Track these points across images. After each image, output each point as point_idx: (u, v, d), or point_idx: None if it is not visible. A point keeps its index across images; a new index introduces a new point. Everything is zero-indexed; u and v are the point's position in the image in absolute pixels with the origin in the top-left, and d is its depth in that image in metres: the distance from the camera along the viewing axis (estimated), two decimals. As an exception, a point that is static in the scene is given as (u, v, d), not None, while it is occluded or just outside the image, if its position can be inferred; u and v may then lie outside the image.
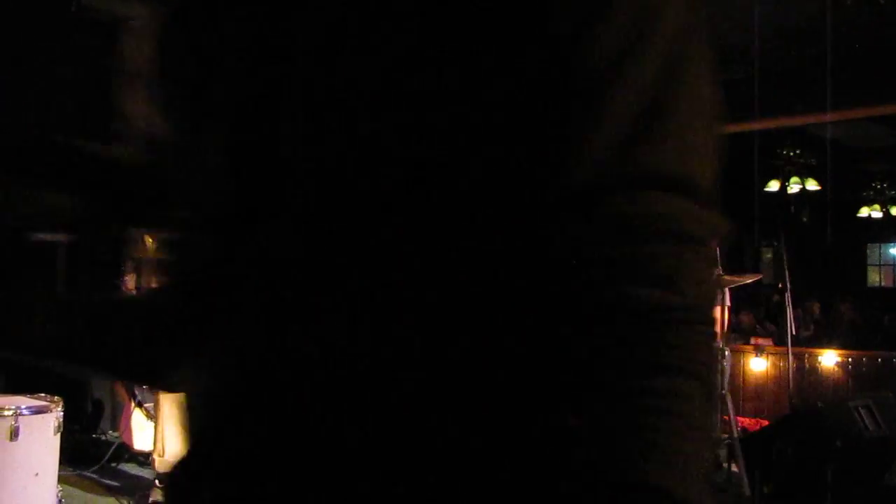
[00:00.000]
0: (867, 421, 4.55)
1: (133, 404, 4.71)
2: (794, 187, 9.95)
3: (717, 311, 5.24)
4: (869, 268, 14.12)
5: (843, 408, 4.55)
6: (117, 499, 4.32)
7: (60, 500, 3.51)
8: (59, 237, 0.96)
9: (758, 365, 7.02)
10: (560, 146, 0.57)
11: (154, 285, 0.86)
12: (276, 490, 0.60)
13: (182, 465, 0.68)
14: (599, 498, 0.55)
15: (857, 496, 4.23)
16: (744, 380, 7.06)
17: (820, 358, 6.85)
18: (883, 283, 14.11)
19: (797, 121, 7.06)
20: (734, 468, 4.51)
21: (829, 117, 6.31)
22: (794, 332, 5.53)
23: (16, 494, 3.23)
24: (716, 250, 0.63)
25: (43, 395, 3.59)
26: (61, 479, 3.62)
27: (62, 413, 3.50)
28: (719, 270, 5.44)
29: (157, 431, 4.14)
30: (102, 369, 1.04)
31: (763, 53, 5.62)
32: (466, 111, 0.58)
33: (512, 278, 0.57)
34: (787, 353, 5.61)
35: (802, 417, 4.58)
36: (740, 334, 8.03)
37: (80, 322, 0.87)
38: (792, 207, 10.07)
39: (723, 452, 4.65)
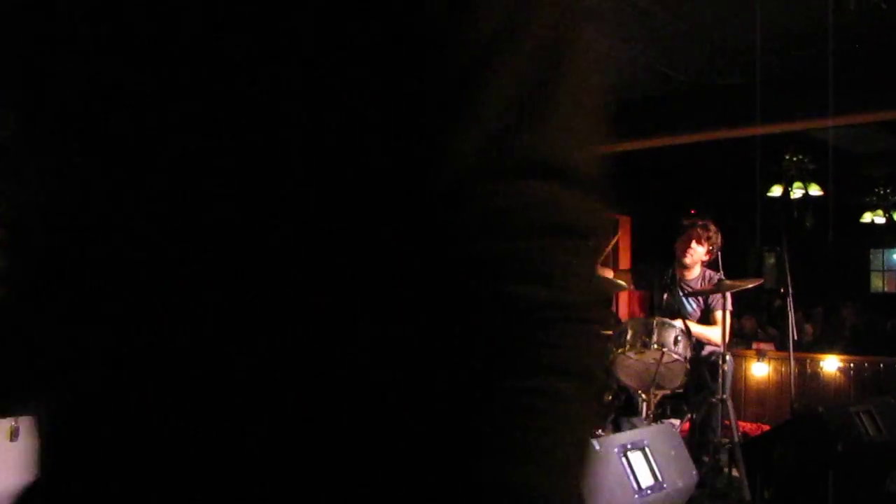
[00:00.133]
0: (868, 426, 4.54)
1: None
2: (796, 192, 9.94)
3: (726, 315, 5.23)
4: (871, 273, 14.10)
5: (845, 413, 4.54)
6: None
7: (60, 501, 3.51)
8: None
9: (759, 370, 7.01)
10: (434, 139, 0.55)
11: None
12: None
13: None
14: (462, 497, 0.54)
15: (858, 501, 4.21)
16: (745, 384, 7.05)
17: (822, 363, 6.84)
18: (885, 289, 14.09)
19: (800, 126, 7.05)
20: (735, 473, 4.50)
21: (832, 122, 6.29)
22: (795, 337, 5.53)
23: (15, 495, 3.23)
24: (600, 242, 0.62)
25: (43, 395, 3.59)
26: (61, 480, 3.61)
27: (62, 414, 3.51)
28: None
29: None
30: None
31: (765, 58, 5.61)
32: (337, 107, 0.56)
33: (391, 278, 0.55)
34: (789, 358, 5.60)
35: (804, 422, 4.57)
36: (742, 339, 8.03)
37: None
38: (795, 212, 10.05)
39: (724, 457, 4.64)
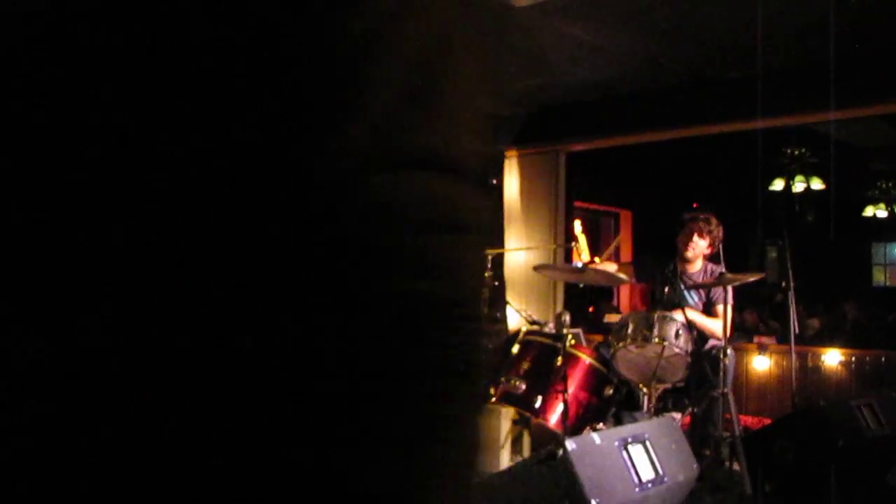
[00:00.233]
0: (870, 420, 4.54)
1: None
2: (798, 186, 9.95)
3: (728, 309, 5.23)
4: (874, 267, 14.09)
5: (846, 407, 4.54)
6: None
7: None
8: None
9: (761, 363, 7.01)
10: (320, 131, 0.54)
11: None
12: None
13: None
14: (342, 499, 0.53)
15: (859, 495, 4.22)
16: (746, 378, 7.05)
17: (823, 357, 6.84)
18: (887, 283, 14.09)
19: (801, 119, 7.04)
20: (735, 466, 4.50)
21: (833, 116, 6.28)
22: (797, 331, 5.52)
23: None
24: (486, 236, 0.60)
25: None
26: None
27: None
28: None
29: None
30: None
31: (767, 51, 5.60)
32: (215, 100, 0.54)
33: (279, 276, 0.54)
34: (791, 352, 5.60)
35: (805, 416, 4.57)
36: (743, 333, 8.02)
37: None
38: (796, 206, 10.06)
39: (725, 451, 4.64)
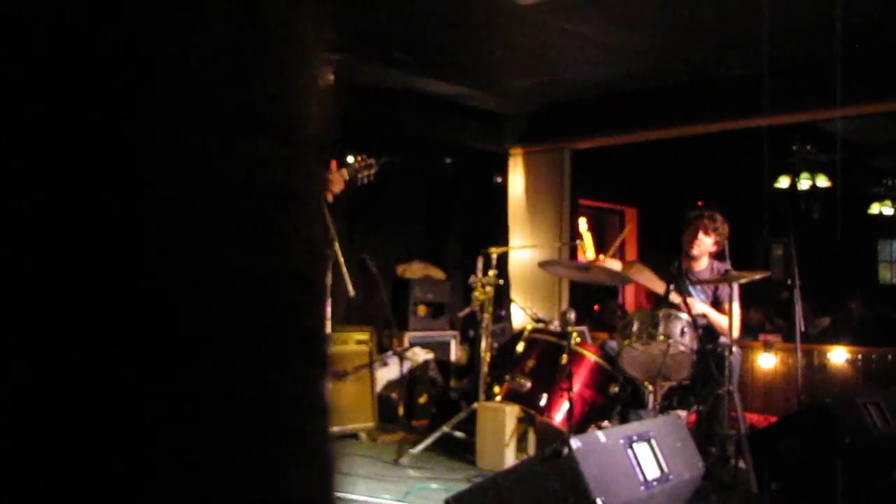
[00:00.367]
0: (876, 418, 4.53)
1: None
2: (804, 183, 9.92)
3: (735, 307, 5.22)
4: (880, 264, 14.04)
5: (852, 404, 4.53)
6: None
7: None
8: None
9: (767, 361, 7.00)
10: (138, 95, 0.49)
11: None
12: None
13: None
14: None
15: (866, 493, 4.21)
16: (752, 376, 7.03)
17: (829, 354, 6.82)
18: (894, 280, 14.03)
19: (807, 116, 7.02)
20: (742, 464, 4.49)
21: (839, 113, 6.26)
22: (803, 329, 5.51)
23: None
24: (322, 203, 0.57)
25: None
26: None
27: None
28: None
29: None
30: None
31: (773, 48, 5.59)
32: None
33: (97, 245, 0.50)
34: (797, 350, 5.58)
35: (811, 414, 4.56)
36: (749, 330, 8.01)
37: None
38: (802, 204, 10.03)
39: (730, 449, 4.63)
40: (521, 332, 5.87)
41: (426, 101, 7.59)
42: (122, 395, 0.50)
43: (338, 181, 4.40)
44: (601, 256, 5.63)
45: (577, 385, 5.18)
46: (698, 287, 5.69)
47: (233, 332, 0.51)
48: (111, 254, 0.49)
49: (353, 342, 6.29)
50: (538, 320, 6.14)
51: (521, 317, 7.68)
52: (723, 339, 5.47)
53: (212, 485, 0.52)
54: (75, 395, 0.49)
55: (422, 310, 7.39)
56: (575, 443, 3.08)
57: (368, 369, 6.30)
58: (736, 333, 5.21)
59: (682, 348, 4.94)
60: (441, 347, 7.35)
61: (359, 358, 6.26)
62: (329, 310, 4.11)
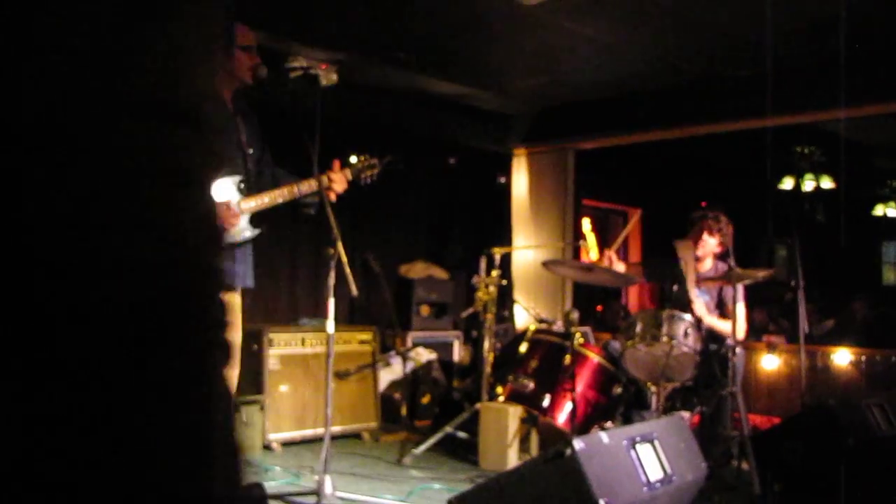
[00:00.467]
0: (880, 420, 4.52)
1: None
2: (808, 184, 9.91)
3: (741, 307, 5.20)
4: (884, 266, 14.02)
5: (856, 406, 4.52)
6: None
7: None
8: None
9: (770, 362, 6.99)
10: (21, 76, 0.46)
11: None
12: None
13: None
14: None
15: (869, 495, 4.19)
16: (756, 377, 7.02)
17: (833, 356, 6.81)
18: (898, 282, 14.01)
19: (811, 117, 7.01)
20: (745, 466, 4.48)
21: (843, 114, 6.25)
22: (806, 330, 5.50)
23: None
24: (209, 182, 0.55)
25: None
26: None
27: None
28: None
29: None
30: None
31: (777, 49, 5.58)
32: None
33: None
34: (800, 351, 5.57)
35: (814, 415, 4.55)
36: (752, 331, 7.99)
37: None
38: (806, 205, 10.02)
39: (734, 450, 4.63)
40: (525, 332, 5.86)
41: (430, 102, 7.59)
42: (10, 390, 0.49)
43: (341, 181, 4.40)
44: (606, 251, 5.62)
45: (580, 386, 5.17)
46: (703, 288, 5.68)
47: (123, 321, 0.50)
48: None
49: (357, 342, 6.30)
50: (541, 321, 6.14)
51: (524, 317, 7.68)
52: (727, 341, 5.46)
53: (109, 477, 0.50)
54: None
55: (425, 310, 7.39)
56: (578, 444, 3.07)
57: (371, 369, 6.30)
58: (741, 334, 5.20)
59: (685, 349, 4.93)
60: (444, 348, 7.34)
61: (362, 358, 6.26)
62: (332, 309, 4.11)
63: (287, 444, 5.64)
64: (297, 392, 5.78)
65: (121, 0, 0.48)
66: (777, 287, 9.17)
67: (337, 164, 4.45)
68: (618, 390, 5.36)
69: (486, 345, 5.68)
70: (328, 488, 4.01)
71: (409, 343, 7.02)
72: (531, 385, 5.31)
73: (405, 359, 6.70)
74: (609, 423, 5.27)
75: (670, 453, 3.55)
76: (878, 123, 8.16)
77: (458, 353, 7.52)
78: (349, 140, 5.14)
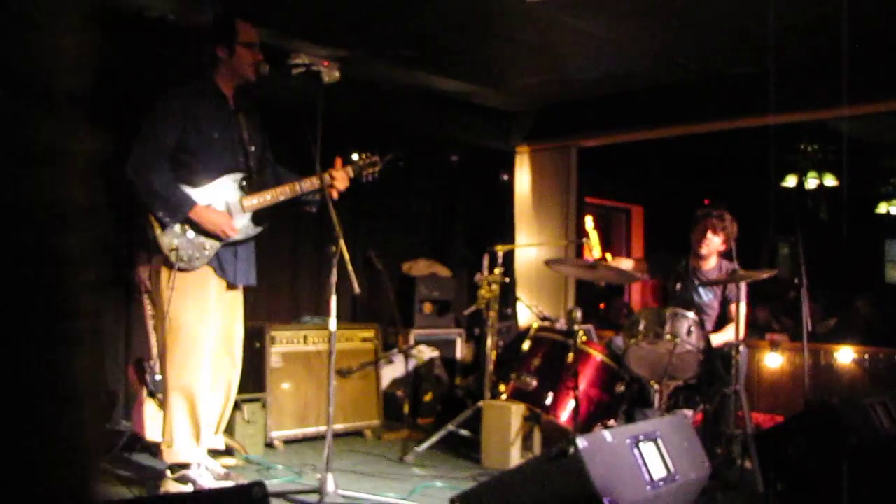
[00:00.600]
0: (883, 418, 4.51)
1: (145, 393, 4.71)
2: (811, 182, 9.89)
3: (742, 307, 5.19)
4: (887, 264, 14.00)
5: (859, 405, 4.51)
6: (129, 488, 4.33)
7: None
8: None
9: (773, 361, 6.97)
10: None
11: None
12: None
13: None
14: None
15: (872, 494, 4.18)
16: (759, 375, 7.01)
17: (836, 354, 6.80)
18: (901, 280, 13.99)
19: (815, 115, 6.99)
20: (748, 464, 4.47)
21: (847, 112, 6.24)
22: (809, 328, 5.49)
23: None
24: (80, 167, 0.52)
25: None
26: (72, 469, 3.62)
27: (73, 403, 3.50)
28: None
29: (165, 422, 4.15)
30: None
31: (779, 47, 5.56)
32: None
33: None
34: (803, 349, 5.56)
35: (817, 414, 4.54)
36: (756, 330, 7.98)
37: None
38: (809, 202, 10.00)
39: (737, 448, 4.61)
40: (527, 330, 5.86)
41: (432, 99, 7.58)
42: None
43: (343, 179, 4.39)
44: (607, 256, 5.61)
45: (583, 384, 5.17)
46: (706, 287, 5.67)
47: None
48: None
49: (359, 339, 6.29)
50: (544, 318, 6.13)
51: (527, 315, 7.67)
52: (724, 339, 5.45)
53: None
54: None
55: (427, 307, 7.38)
56: (581, 442, 3.06)
57: (374, 367, 6.29)
58: (742, 335, 5.19)
59: (688, 347, 4.92)
60: (447, 345, 7.34)
61: (364, 355, 6.26)
62: (334, 307, 4.10)
63: (289, 441, 5.64)
64: (300, 390, 5.78)
65: None
66: (780, 285, 9.16)
67: (339, 161, 4.44)
68: (621, 388, 5.35)
69: (489, 342, 5.67)
70: (330, 486, 4.00)
71: (412, 341, 7.01)
72: (534, 383, 5.30)
73: (407, 356, 6.70)
74: (612, 422, 5.26)
75: (673, 452, 3.55)
76: (882, 121, 8.14)
77: (461, 350, 7.51)
78: (351, 137, 5.14)
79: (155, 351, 4.60)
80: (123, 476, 4.55)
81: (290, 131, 4.31)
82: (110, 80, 5.59)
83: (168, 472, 4.15)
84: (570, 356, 5.12)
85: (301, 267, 6.95)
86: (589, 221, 5.65)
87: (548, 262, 5.59)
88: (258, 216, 4.31)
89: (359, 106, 6.81)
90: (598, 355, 5.37)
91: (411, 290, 7.32)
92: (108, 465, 4.65)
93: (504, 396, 5.39)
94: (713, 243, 5.60)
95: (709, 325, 5.44)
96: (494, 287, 5.69)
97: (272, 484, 4.54)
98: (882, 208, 11.63)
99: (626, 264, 5.81)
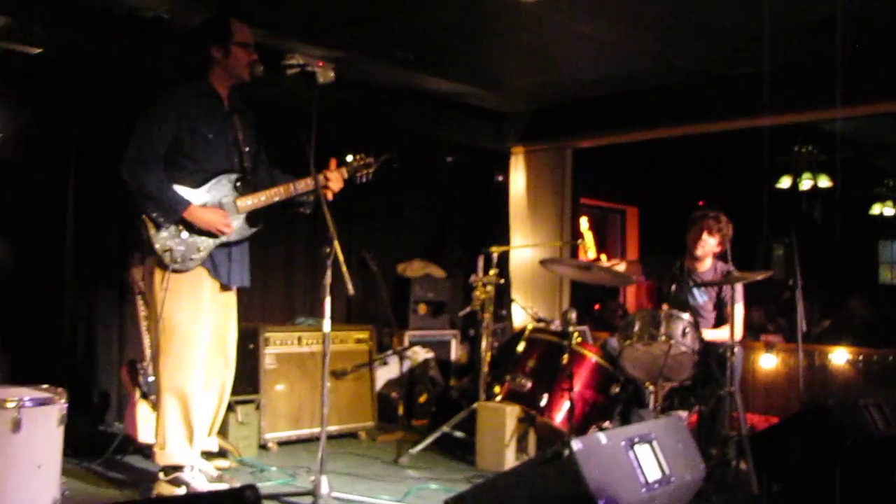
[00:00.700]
0: (878, 419, 4.51)
1: (138, 395, 4.70)
2: (805, 183, 9.90)
3: (739, 308, 5.19)
4: (880, 265, 14.03)
5: (854, 406, 4.51)
6: (122, 491, 4.31)
7: (64, 493, 3.50)
8: None
9: (768, 362, 6.98)
10: None
11: None
12: None
13: None
14: None
15: (867, 495, 4.19)
16: (754, 376, 7.01)
17: (830, 355, 6.80)
18: (894, 281, 14.02)
19: (809, 117, 7.00)
20: (743, 466, 4.47)
21: (841, 113, 6.24)
22: (804, 329, 5.49)
23: (18, 487, 3.21)
24: None
25: (46, 386, 3.57)
26: (65, 472, 3.60)
27: (66, 405, 3.49)
28: (728, 264, 5.40)
29: (158, 424, 4.13)
30: None
31: (774, 48, 5.56)
32: None
33: None
34: (798, 350, 5.57)
35: (812, 415, 4.54)
36: (750, 331, 7.99)
37: None
38: (803, 204, 10.01)
39: (732, 450, 4.61)
40: (522, 331, 5.85)
41: (427, 100, 7.56)
42: None
43: (337, 180, 4.38)
44: (602, 257, 5.61)
45: (577, 385, 5.16)
46: (702, 288, 5.66)
47: None
48: None
49: (353, 341, 6.28)
50: (539, 320, 6.12)
51: (521, 316, 7.66)
52: (719, 340, 5.45)
53: None
54: None
55: (422, 308, 7.37)
56: (576, 444, 3.05)
57: (368, 368, 6.28)
58: (739, 334, 5.19)
59: (683, 349, 4.92)
60: (441, 346, 7.33)
61: (358, 357, 6.25)
62: (328, 308, 4.09)
63: (283, 443, 5.62)
64: (294, 391, 5.76)
65: None
66: (775, 286, 9.17)
67: (333, 162, 4.43)
68: (616, 390, 5.35)
69: (484, 344, 5.66)
70: (324, 488, 3.99)
71: (407, 342, 7.00)
72: (529, 384, 5.30)
73: (402, 358, 6.69)
74: (607, 423, 5.25)
75: (668, 454, 3.54)
76: (876, 122, 8.15)
77: (456, 352, 7.50)
78: (346, 138, 5.13)
79: (148, 352, 4.58)
80: (116, 478, 4.54)
81: (284, 132, 4.29)
82: (104, 80, 5.58)
83: (161, 475, 4.13)
84: (565, 357, 5.11)
85: (295, 268, 6.93)
86: (584, 223, 5.65)
87: (543, 263, 5.59)
88: (252, 217, 4.30)
89: (353, 107, 6.79)
90: (592, 357, 5.36)
91: (406, 291, 7.31)
92: (100, 468, 4.63)
93: (499, 398, 5.38)
94: (708, 245, 5.60)
95: (704, 327, 5.43)
96: (489, 288, 5.68)
97: (266, 486, 4.53)
98: (876, 209, 11.65)
99: (620, 266, 5.80)
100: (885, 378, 6.44)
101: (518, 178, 8.47)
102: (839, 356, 6.76)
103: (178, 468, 4.10)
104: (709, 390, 5.01)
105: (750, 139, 6.64)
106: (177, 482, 4.08)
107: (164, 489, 4.08)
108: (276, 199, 4.29)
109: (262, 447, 5.49)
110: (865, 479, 4.19)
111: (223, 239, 4.20)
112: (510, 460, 5.13)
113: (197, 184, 4.13)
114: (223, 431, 5.04)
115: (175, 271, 4.04)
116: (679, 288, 5.66)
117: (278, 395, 5.69)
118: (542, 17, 5.45)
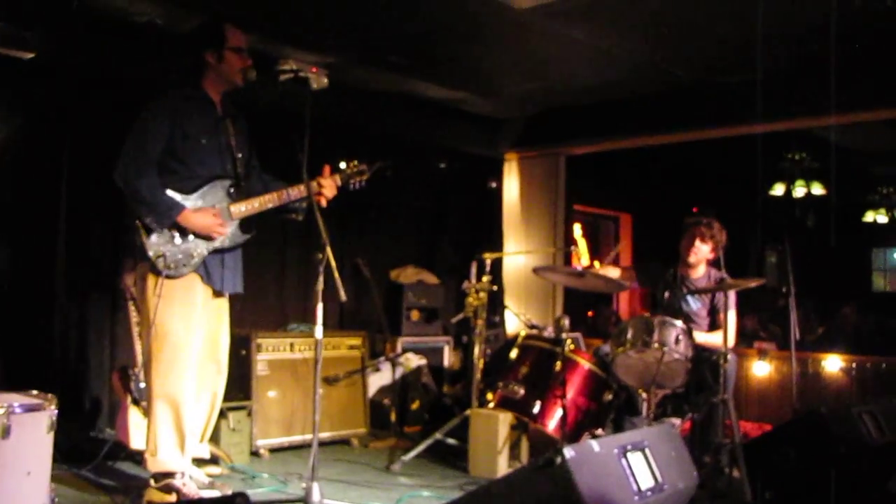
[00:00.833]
0: (871, 427, 4.50)
1: (130, 401, 4.67)
2: (798, 191, 9.93)
3: (732, 315, 5.19)
4: (874, 273, 14.07)
5: (847, 414, 4.51)
6: (112, 498, 4.29)
7: (54, 499, 3.47)
8: None
9: (761, 369, 6.98)
10: None
11: None
12: None
13: None
14: None
15: (860, 503, 4.18)
16: (747, 384, 7.02)
17: (824, 363, 6.81)
18: (888, 288, 14.06)
19: (802, 124, 7.01)
20: (736, 473, 4.46)
21: (834, 120, 6.26)
22: (797, 337, 5.49)
23: (7, 493, 3.19)
24: None
25: (36, 392, 3.55)
26: (56, 478, 3.58)
27: (56, 411, 3.46)
28: (723, 274, 5.40)
29: (150, 430, 4.11)
30: None
31: (768, 56, 5.57)
32: None
33: None
34: (791, 358, 5.57)
35: (805, 423, 4.53)
36: (744, 338, 7.99)
37: None
38: (797, 211, 10.04)
39: (725, 457, 4.60)
40: (515, 338, 5.84)
41: (421, 106, 7.56)
42: None
43: (330, 187, 4.37)
44: (595, 263, 5.60)
45: (570, 392, 5.15)
46: (695, 295, 5.66)
47: None
48: None
49: (346, 347, 6.26)
50: (532, 326, 6.11)
51: (514, 323, 7.65)
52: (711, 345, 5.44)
53: None
54: None
55: (415, 315, 7.36)
56: (568, 452, 3.04)
57: (361, 375, 6.27)
58: (732, 342, 5.18)
59: (676, 356, 4.91)
60: (434, 353, 7.32)
61: (351, 363, 6.23)
62: (321, 314, 4.07)
63: (275, 450, 5.60)
64: (286, 398, 5.74)
65: None
66: (768, 293, 9.18)
67: (327, 169, 4.42)
68: (608, 397, 5.34)
69: (477, 350, 5.65)
70: (316, 495, 3.97)
71: (399, 348, 6.99)
72: (521, 391, 5.29)
73: (395, 364, 6.67)
74: (600, 430, 5.25)
75: (661, 461, 3.53)
76: (869, 130, 8.17)
77: (449, 358, 7.49)
78: (339, 144, 5.12)
79: (140, 358, 4.56)
80: (107, 485, 4.51)
81: (277, 138, 4.28)
82: (97, 85, 5.56)
83: (152, 481, 4.11)
84: (558, 364, 5.11)
85: (288, 274, 6.92)
86: (577, 229, 5.64)
87: (536, 270, 5.57)
88: (245, 223, 4.28)
89: (347, 113, 6.79)
90: (585, 364, 5.35)
91: (399, 297, 7.29)
92: (91, 475, 4.61)
93: (491, 405, 5.36)
94: (702, 252, 5.60)
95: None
96: (482, 295, 5.67)
97: (257, 493, 4.51)
98: (869, 217, 11.68)
99: (613, 273, 5.80)
100: (879, 386, 6.45)
101: (511, 185, 8.47)
102: (832, 364, 6.77)
103: (170, 475, 4.08)
104: (702, 398, 5.00)
105: (743, 146, 6.65)
106: (168, 489, 4.06)
107: (155, 496, 4.06)
108: (270, 205, 4.28)
109: (254, 454, 5.46)
110: (859, 487, 4.18)
111: (217, 245, 4.18)
112: (503, 467, 5.12)
113: (190, 189, 4.12)
114: (215, 438, 5.02)
115: (168, 277, 4.03)
116: (672, 295, 5.65)
117: (270, 402, 5.67)
118: (535, 24, 5.45)
